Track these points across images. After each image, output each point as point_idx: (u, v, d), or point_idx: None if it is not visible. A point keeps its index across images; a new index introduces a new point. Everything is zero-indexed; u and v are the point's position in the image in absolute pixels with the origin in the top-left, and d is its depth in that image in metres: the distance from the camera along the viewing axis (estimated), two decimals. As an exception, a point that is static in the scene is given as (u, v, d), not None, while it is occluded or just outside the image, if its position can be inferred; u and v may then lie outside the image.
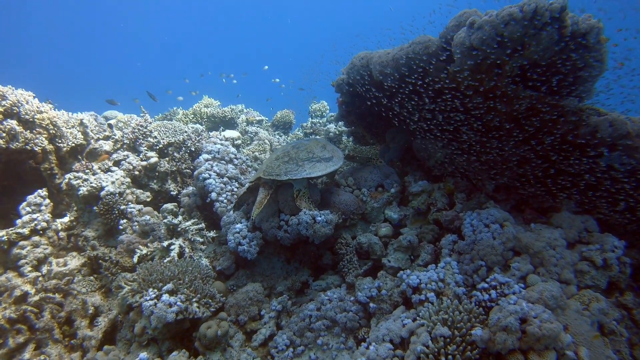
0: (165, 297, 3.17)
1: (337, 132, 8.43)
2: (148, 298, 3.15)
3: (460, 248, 3.75)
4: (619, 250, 3.38)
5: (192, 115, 8.76)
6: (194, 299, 3.27)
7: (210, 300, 3.38)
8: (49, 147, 4.64)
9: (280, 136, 8.26)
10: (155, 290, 3.24)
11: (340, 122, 8.14)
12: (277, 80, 13.33)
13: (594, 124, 3.40)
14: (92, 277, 4.06)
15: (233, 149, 5.33)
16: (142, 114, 5.56)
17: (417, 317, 3.06)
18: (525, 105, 3.48)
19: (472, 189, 4.50)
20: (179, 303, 3.13)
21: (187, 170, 5.24)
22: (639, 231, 3.69)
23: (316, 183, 4.79)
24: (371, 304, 3.63)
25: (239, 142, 6.79)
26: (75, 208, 4.79)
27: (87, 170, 4.66)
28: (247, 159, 5.47)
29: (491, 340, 2.49)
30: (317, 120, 9.17)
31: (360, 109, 5.50)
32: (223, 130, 6.65)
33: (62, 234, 4.68)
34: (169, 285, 3.27)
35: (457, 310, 2.85)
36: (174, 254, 3.84)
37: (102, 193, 4.53)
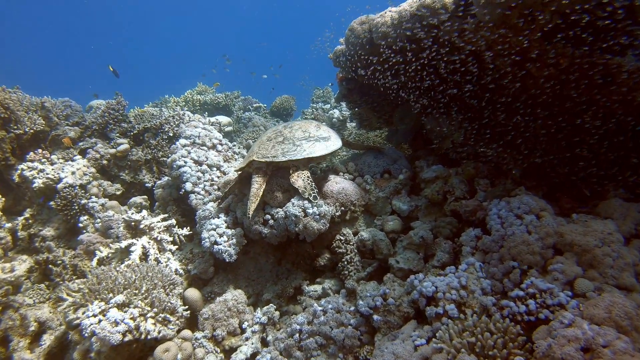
0: (112, 312, 2.50)
1: (341, 118, 7.69)
2: (90, 314, 2.48)
3: (486, 245, 3.01)
4: (694, 247, 2.61)
5: (184, 103, 8.12)
6: (149, 315, 2.59)
7: (169, 316, 2.70)
8: (1, 133, 4.01)
9: (278, 122, 7.57)
10: (102, 303, 2.57)
11: (342, 105, 7.44)
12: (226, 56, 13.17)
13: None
14: (42, 285, 3.43)
15: (217, 134, 4.64)
16: (115, 97, 4.90)
17: (434, 338, 2.33)
18: (564, 67, 2.72)
19: (496, 175, 3.76)
20: (126, 320, 2.45)
21: (165, 159, 4.57)
22: None
23: (314, 171, 4.08)
24: (375, 316, 2.91)
25: (230, 128, 6.10)
26: (35, 204, 4.16)
27: (43, 160, 4.02)
28: (234, 146, 4.78)
29: (540, 378, 1.76)
30: (320, 105, 8.44)
31: (364, 85, 4.75)
32: (210, 116, 5.99)
33: (22, 234, 4.06)
34: (120, 297, 2.60)
35: (488, 331, 2.12)
36: (134, 256, 3.17)
37: (60, 185, 3.88)
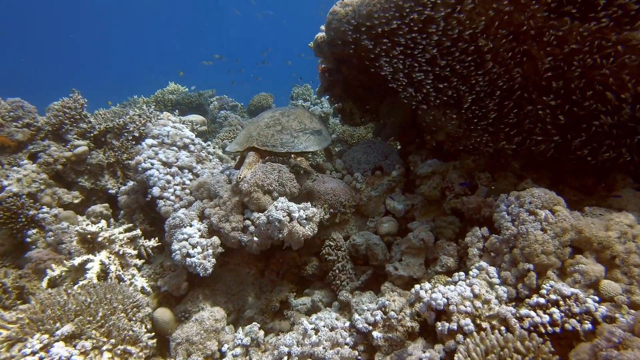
0: (56, 347, 2.03)
1: (322, 115, 7.34)
2: (28, 351, 2.00)
3: (494, 246, 2.68)
4: None
5: (154, 103, 7.59)
6: (104, 347, 2.13)
7: (130, 348, 2.24)
8: None
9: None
10: (45, 335, 2.10)
11: (324, 99, 7.08)
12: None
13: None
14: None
15: (189, 133, 4.17)
16: (71, 94, 4.36)
17: (451, 362, 1.96)
18: (571, 45, 2.42)
19: (494, 168, 3.46)
20: (75, 357, 1.99)
21: (130, 162, 4.07)
22: None
23: (296, 170, 3.68)
24: (374, 333, 2.53)
25: (204, 128, 5.64)
26: (-23, 217, 3.60)
27: (-17, 166, 3.48)
28: (208, 146, 4.33)
29: (595, 414, 1.41)
30: (300, 103, 8.04)
31: (347, 77, 4.37)
32: (182, 116, 5.54)
33: (-39, 253, 3.50)
34: (68, 327, 2.12)
35: (518, 353, 1.77)
36: (90, 274, 2.69)
37: (2, 195, 3.34)
